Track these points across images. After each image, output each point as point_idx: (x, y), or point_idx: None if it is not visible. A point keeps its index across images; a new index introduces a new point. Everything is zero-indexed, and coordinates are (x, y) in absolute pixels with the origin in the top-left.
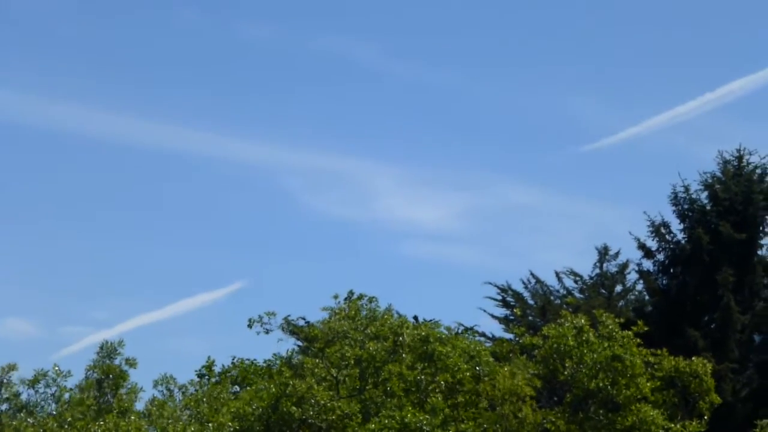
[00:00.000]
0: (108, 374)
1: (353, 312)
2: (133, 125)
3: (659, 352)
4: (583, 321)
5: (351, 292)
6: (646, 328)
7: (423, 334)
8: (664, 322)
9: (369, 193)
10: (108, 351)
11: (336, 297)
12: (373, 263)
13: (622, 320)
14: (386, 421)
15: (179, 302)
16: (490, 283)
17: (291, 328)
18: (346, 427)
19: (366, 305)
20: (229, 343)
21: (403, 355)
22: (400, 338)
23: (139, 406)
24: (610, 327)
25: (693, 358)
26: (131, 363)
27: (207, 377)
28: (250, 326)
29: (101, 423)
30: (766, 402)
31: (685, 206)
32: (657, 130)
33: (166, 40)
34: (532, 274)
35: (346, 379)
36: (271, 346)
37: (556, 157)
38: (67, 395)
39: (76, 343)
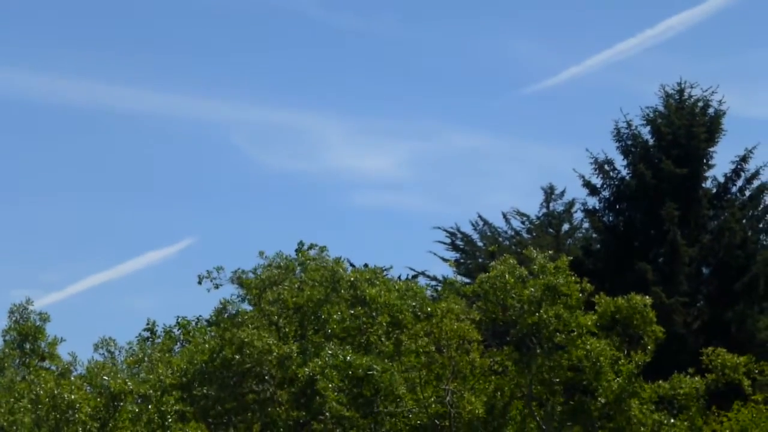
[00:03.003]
0: (25, 334)
1: (284, 262)
2: (78, 85)
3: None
4: (512, 261)
5: (301, 243)
6: (570, 258)
7: (351, 278)
8: (612, 258)
9: (316, 146)
10: (19, 312)
11: (262, 253)
12: (324, 215)
13: (549, 252)
14: (327, 360)
15: (130, 261)
16: (439, 228)
17: (239, 281)
18: (287, 368)
19: (317, 255)
20: (181, 300)
21: (341, 291)
22: (337, 274)
23: (80, 369)
24: (540, 262)
25: (632, 294)
26: (44, 318)
27: (150, 339)
28: (200, 282)
29: (42, 385)
30: (717, 333)
31: (628, 142)
32: (598, 68)
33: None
34: (480, 216)
35: (286, 324)
36: None
37: (498, 100)
38: None
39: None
